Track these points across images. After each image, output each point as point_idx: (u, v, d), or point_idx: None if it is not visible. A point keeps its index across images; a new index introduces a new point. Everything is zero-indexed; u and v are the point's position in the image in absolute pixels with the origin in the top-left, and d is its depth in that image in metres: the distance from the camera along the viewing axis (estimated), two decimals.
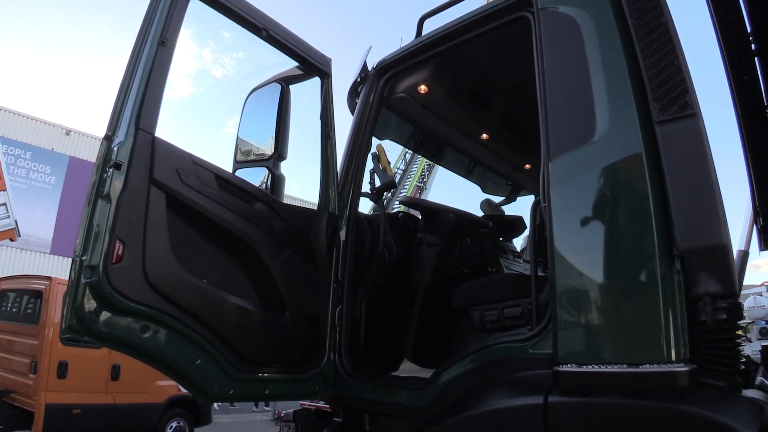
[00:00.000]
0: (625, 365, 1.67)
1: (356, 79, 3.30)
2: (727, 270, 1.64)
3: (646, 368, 1.63)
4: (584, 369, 1.73)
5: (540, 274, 2.22)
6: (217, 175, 2.26)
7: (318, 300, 2.61)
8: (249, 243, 2.31)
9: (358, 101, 3.19)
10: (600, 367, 1.71)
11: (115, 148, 1.96)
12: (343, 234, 2.85)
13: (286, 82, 3.04)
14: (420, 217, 3.24)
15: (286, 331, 2.40)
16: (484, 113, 3.68)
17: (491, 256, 3.66)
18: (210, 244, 2.22)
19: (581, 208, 1.92)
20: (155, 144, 2.01)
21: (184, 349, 2.06)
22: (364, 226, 3.00)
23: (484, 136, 3.89)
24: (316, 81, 3.04)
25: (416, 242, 3.16)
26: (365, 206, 3.52)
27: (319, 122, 2.96)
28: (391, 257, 2.99)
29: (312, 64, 2.85)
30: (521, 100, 3.57)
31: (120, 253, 1.90)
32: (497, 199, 5.15)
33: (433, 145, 4.27)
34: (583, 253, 1.88)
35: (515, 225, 3.98)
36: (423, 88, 3.24)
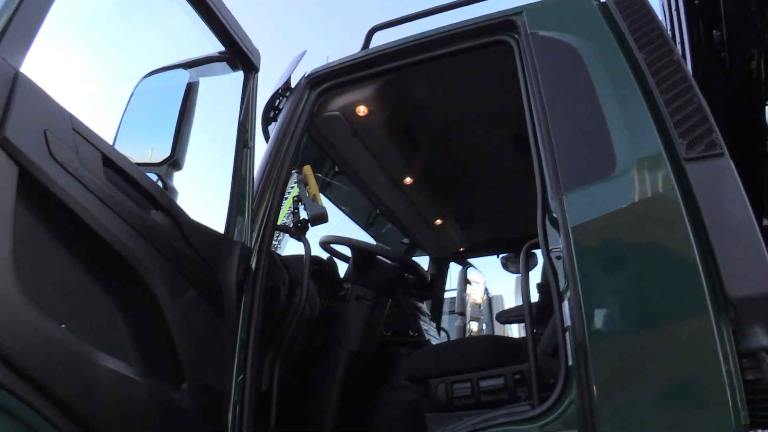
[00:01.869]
0: None
1: (278, 90, 2.70)
2: None
3: None
4: None
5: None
6: (107, 157, 1.45)
7: (225, 367, 1.82)
8: (140, 273, 1.50)
9: (281, 114, 2.58)
10: None
11: None
12: None
13: (196, 71, 2.33)
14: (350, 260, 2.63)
15: (180, 414, 1.57)
16: (417, 152, 3.27)
17: (411, 318, 3.14)
18: (80, 265, 1.37)
19: (613, 247, 1.65)
20: (18, 83, 1.19)
21: None
22: (280, 270, 2.30)
23: (408, 180, 3.46)
24: (233, 77, 2.38)
25: (342, 294, 2.52)
26: None
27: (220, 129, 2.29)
28: (313, 313, 2.30)
29: (242, 52, 2.19)
30: (460, 141, 3.27)
31: None
32: None
33: (343, 184, 3.72)
34: (618, 306, 1.57)
35: (432, 284, 3.52)
36: (362, 110, 2.73)
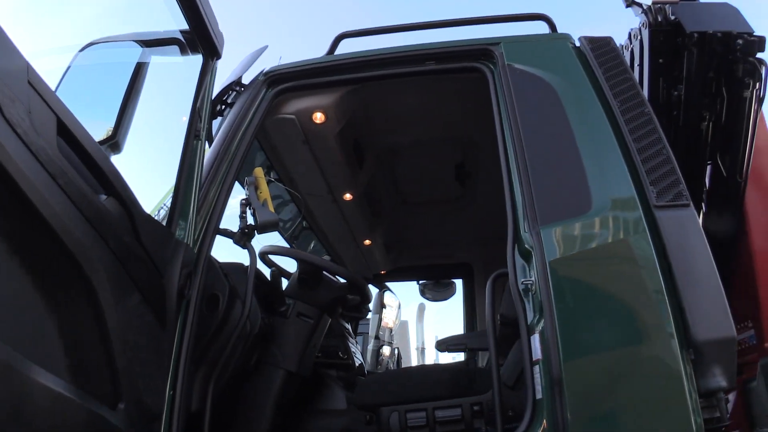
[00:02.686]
0: None
1: (229, 84, 2.50)
2: (733, 363, 1.58)
3: None
4: None
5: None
6: (63, 123, 1.21)
7: (161, 385, 1.59)
8: (85, 269, 1.25)
9: (233, 110, 2.39)
10: None
11: None
12: None
13: (150, 50, 2.09)
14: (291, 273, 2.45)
15: None
16: (362, 168, 3.18)
17: (341, 339, 3.00)
18: (15, 251, 1.11)
19: (589, 283, 1.71)
20: None
21: None
22: (220, 279, 2.08)
23: (348, 196, 3.35)
24: (189, 61, 2.16)
25: (283, 310, 2.33)
26: None
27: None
28: (253, 329, 2.10)
29: (207, 35, 1.98)
30: (405, 164, 3.24)
31: None
32: None
33: (275, 192, 3.51)
34: (593, 341, 1.61)
35: (360, 307, 3.39)
36: (319, 117, 2.60)
